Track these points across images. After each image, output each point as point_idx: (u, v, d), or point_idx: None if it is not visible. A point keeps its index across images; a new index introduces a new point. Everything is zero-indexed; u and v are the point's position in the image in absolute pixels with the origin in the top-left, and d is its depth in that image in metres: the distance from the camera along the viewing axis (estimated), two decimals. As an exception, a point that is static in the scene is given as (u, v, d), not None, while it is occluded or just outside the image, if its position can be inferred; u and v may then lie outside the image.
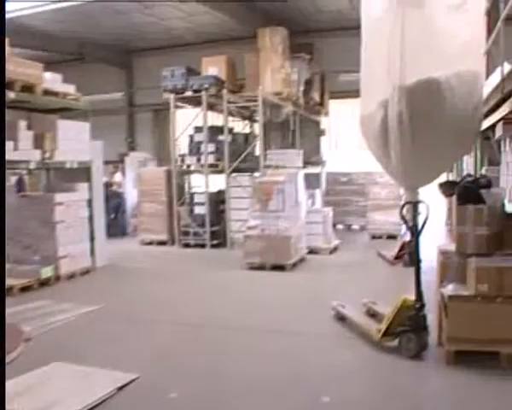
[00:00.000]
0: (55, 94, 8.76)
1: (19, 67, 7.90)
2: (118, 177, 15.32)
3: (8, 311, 6.77)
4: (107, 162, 13.56)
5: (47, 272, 8.30)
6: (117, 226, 14.09)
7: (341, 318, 6.15)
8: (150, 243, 12.63)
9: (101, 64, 17.05)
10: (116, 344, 5.63)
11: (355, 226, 14.55)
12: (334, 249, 11.01)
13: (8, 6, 11.70)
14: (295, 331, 5.89)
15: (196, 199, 12.19)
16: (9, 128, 8.07)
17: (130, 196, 14.51)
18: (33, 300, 7.44)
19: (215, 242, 11.91)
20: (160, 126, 16.93)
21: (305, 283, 8.40)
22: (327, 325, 6.11)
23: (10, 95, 7.80)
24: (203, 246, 11.88)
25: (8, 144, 7.81)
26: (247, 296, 7.61)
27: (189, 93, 11.85)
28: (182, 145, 12.80)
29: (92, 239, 9.40)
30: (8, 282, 7.80)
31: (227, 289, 8.06)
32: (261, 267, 9.21)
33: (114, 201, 14.24)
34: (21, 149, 8.04)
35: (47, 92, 8.53)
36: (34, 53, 14.09)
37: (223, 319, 6.45)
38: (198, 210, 12.07)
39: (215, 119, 13.44)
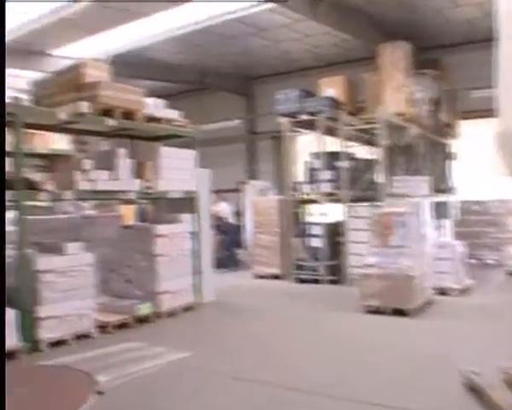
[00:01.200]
0: (158, 120, 8.20)
1: (118, 92, 7.40)
2: (222, 206, 14.48)
3: (92, 354, 6.27)
4: (218, 191, 12.98)
5: (145, 308, 7.62)
6: (229, 258, 13.40)
7: (473, 389, 4.66)
8: (263, 277, 11.70)
9: (221, 92, 16.69)
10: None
11: (489, 261, 12.63)
12: (467, 290, 9.32)
13: (125, 38, 11.63)
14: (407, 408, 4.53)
15: (312, 230, 11.10)
16: (108, 157, 7.60)
17: (244, 225, 13.79)
18: (125, 340, 6.78)
19: (331, 278, 10.71)
20: (278, 153, 16.17)
21: (429, 333, 6.91)
22: (452, 399, 4.65)
23: (110, 122, 7.33)
24: (318, 282, 10.74)
25: (107, 174, 7.33)
26: (360, 351, 6.26)
27: (303, 117, 10.93)
28: (299, 173, 11.87)
29: (197, 274, 8.67)
30: (104, 318, 7.26)
31: (340, 340, 6.77)
32: (380, 311, 7.84)
33: (226, 232, 13.59)
34: (121, 178, 7.52)
35: (149, 119, 7.98)
36: (156, 84, 14.05)
37: (334, 384, 5.12)
38: (313, 242, 10.98)
39: (334, 144, 12.37)
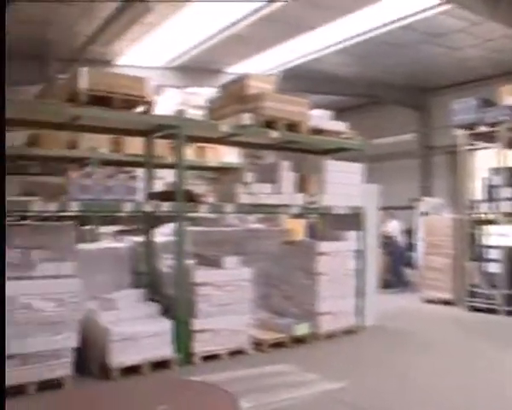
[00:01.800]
0: (323, 132, 7.74)
1: (282, 103, 7.09)
2: (392, 225, 13.44)
3: (242, 373, 5.92)
4: (388, 208, 12.19)
5: (302, 328, 7.16)
6: (397, 279, 12.49)
7: None
8: (432, 302, 10.59)
9: (392, 105, 15.85)
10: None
11: None
12: None
13: (293, 52, 11.42)
14: None
15: (489, 254, 9.83)
16: (271, 170, 7.31)
17: (415, 244, 12.76)
18: (278, 361, 6.39)
19: (510, 308, 9.38)
20: (454, 169, 14.84)
21: None
22: None
23: (274, 134, 7.05)
24: (495, 312, 9.42)
25: (269, 187, 7.04)
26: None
27: (482, 128, 9.75)
28: (476, 190, 10.65)
29: (360, 295, 8.02)
30: (261, 335, 6.96)
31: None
32: None
33: (395, 251, 12.71)
34: (283, 191, 7.18)
35: (314, 131, 7.56)
36: (325, 99, 13.70)
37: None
38: (491, 267, 9.72)
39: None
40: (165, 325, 6.23)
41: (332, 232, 8.05)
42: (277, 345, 6.93)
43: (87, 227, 9.31)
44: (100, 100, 5.90)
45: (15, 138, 8.61)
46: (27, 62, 10.39)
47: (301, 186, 7.46)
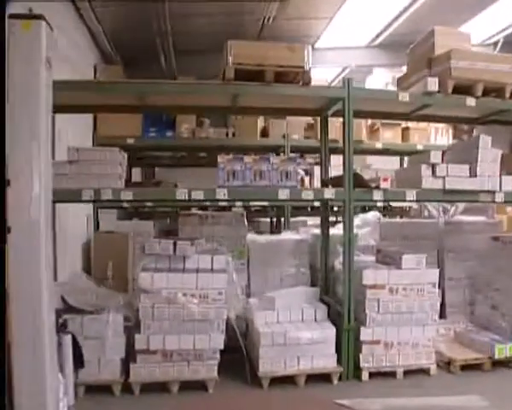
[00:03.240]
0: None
1: (478, 61, 5.42)
2: None
3: (418, 402, 4.51)
4: None
5: (503, 350, 5.43)
6: None
7: None
8: None
9: None
10: None
11: None
12: None
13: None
14: None
15: None
16: (469, 148, 5.69)
17: None
18: (469, 389, 4.85)
19: None
20: None
21: None
22: None
23: (470, 102, 5.46)
24: None
25: (465, 169, 5.45)
26: None
27: None
28: None
29: None
30: (450, 353, 5.50)
31: None
32: None
33: None
34: (483, 174, 5.46)
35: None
36: None
37: None
38: None
39: None
40: (330, 331, 5.20)
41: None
42: (471, 367, 5.35)
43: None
44: (250, 75, 5.11)
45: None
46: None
47: (508, 166, 5.68)
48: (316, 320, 5.44)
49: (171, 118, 8.15)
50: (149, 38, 8.26)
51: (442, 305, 6.44)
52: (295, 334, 5.10)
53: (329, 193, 5.21)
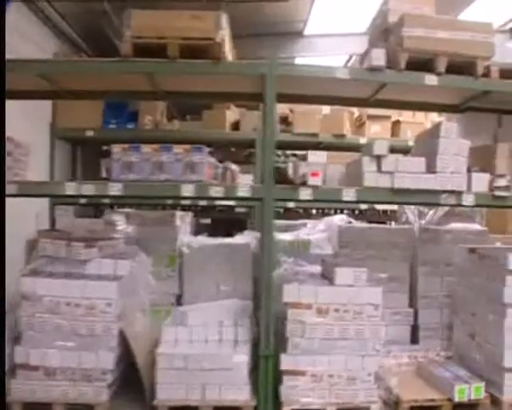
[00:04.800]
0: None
1: (438, 31, 4.20)
2: None
3: None
4: None
5: (464, 391, 4.15)
6: None
7: None
8: None
9: None
10: None
11: None
12: None
13: None
14: None
15: None
16: (431, 138, 4.50)
17: None
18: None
19: None
20: None
21: None
22: None
23: (429, 80, 4.28)
24: None
25: (422, 163, 4.26)
26: None
27: None
28: None
29: None
30: (402, 391, 4.28)
31: None
32: None
33: None
34: (447, 170, 4.24)
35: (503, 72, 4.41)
36: None
37: None
38: None
39: None
40: (242, 357, 4.17)
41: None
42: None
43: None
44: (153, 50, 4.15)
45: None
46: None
47: (484, 162, 4.43)
48: (237, 341, 4.42)
49: (135, 109, 7.32)
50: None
51: (415, 327, 5.32)
52: (199, 357, 4.11)
53: (244, 190, 4.16)
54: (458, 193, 4.28)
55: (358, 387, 4.14)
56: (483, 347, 4.52)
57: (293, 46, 8.28)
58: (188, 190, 4.10)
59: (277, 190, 4.17)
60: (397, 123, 7.36)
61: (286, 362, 4.11)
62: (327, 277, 4.50)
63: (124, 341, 4.27)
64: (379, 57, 4.18)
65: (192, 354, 4.12)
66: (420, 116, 7.18)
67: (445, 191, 4.27)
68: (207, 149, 4.26)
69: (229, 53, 4.30)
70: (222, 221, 7.98)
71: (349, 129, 7.38)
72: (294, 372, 4.11)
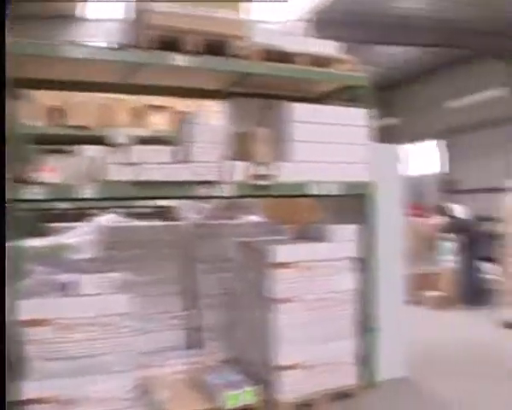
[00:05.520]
0: (290, 58, 4.28)
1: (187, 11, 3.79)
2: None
3: None
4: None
5: (237, 397, 3.83)
6: (469, 286, 7.89)
7: None
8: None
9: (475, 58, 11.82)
10: None
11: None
12: None
13: None
14: None
15: None
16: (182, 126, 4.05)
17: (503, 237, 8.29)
18: None
19: None
20: None
21: None
22: None
23: (177, 59, 3.81)
24: None
25: (168, 152, 3.77)
26: None
27: None
28: None
29: (368, 332, 4.51)
30: (173, 405, 3.77)
31: None
32: None
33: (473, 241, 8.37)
34: (194, 159, 3.82)
35: (269, 55, 4.14)
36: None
37: None
38: None
39: None
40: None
41: (317, 227, 4.59)
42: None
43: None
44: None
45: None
46: None
47: (243, 150, 4.12)
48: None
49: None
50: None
51: (200, 330, 4.88)
52: None
53: None
54: (216, 183, 3.89)
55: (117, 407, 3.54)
56: (258, 346, 4.24)
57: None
58: None
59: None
60: (177, 113, 6.87)
61: (28, 391, 3.33)
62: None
63: None
64: (121, 35, 3.62)
65: None
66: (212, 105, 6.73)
67: (201, 182, 3.84)
68: None
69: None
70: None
71: (127, 120, 6.72)
72: (40, 401, 3.36)
